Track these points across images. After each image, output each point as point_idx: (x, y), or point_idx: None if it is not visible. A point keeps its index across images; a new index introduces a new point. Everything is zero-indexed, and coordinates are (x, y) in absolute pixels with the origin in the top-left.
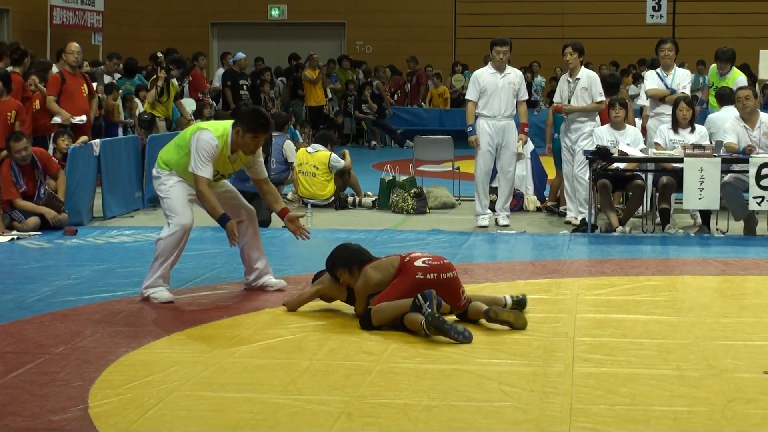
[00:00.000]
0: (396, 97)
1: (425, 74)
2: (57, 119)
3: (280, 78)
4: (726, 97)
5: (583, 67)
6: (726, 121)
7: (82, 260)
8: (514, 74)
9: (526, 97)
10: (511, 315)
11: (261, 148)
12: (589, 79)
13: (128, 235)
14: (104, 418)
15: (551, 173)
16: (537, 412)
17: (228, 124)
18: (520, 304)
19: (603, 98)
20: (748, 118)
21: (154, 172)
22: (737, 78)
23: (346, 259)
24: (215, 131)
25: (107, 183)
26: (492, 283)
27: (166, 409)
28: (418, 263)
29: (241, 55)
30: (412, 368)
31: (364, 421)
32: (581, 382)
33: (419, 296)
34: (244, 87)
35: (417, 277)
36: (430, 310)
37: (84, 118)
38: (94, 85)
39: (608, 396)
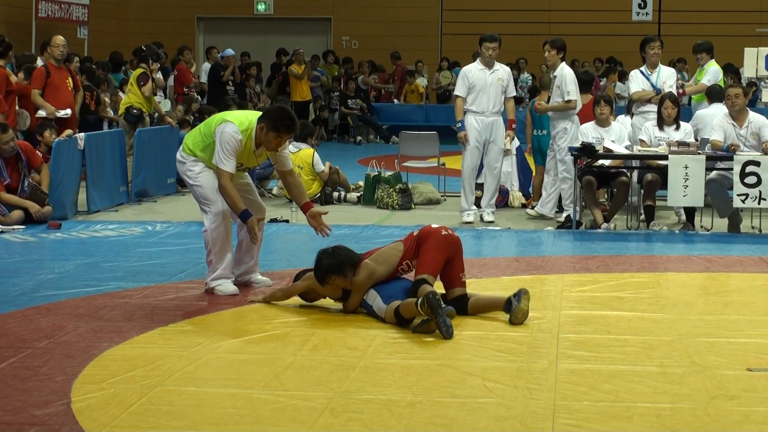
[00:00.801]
0: (383, 92)
1: (403, 70)
2: (42, 113)
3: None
4: (715, 94)
5: (563, 64)
6: (714, 118)
7: (66, 254)
8: (502, 70)
9: (514, 93)
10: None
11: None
12: (561, 77)
13: (112, 230)
14: (87, 413)
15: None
16: (521, 409)
17: (254, 117)
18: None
19: (573, 97)
20: (737, 116)
21: (179, 156)
22: (709, 68)
23: (338, 265)
24: (240, 124)
25: (92, 177)
26: (477, 279)
27: (149, 404)
28: (434, 226)
29: (230, 51)
30: (396, 364)
31: (348, 416)
32: (565, 379)
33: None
34: (230, 83)
35: (443, 234)
36: (433, 296)
37: (69, 111)
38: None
39: (592, 392)
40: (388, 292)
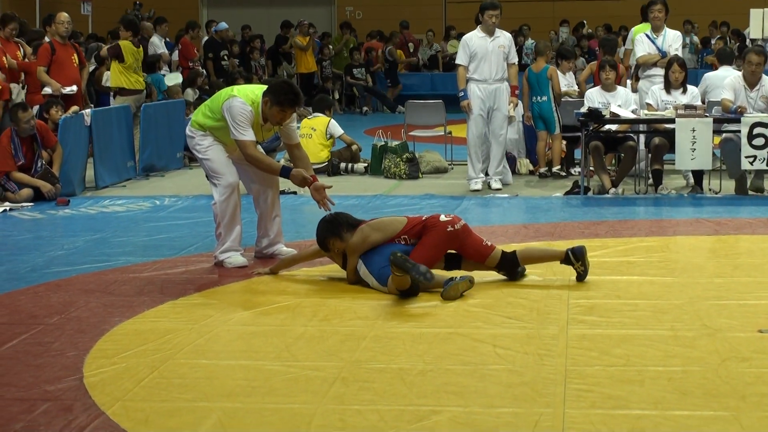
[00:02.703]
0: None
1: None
2: (48, 90)
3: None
4: (726, 57)
5: None
6: (722, 80)
7: (75, 230)
8: (503, 37)
9: (516, 60)
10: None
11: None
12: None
13: (121, 205)
14: (99, 388)
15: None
16: (532, 375)
17: (259, 91)
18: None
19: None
20: (751, 80)
21: (188, 131)
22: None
23: (334, 228)
24: (245, 98)
25: (99, 153)
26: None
27: (160, 378)
28: (443, 218)
29: (223, 25)
30: (406, 333)
31: (359, 386)
32: (575, 344)
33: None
34: (225, 58)
35: (448, 230)
36: (410, 265)
37: (75, 88)
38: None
39: (603, 357)
40: (378, 262)
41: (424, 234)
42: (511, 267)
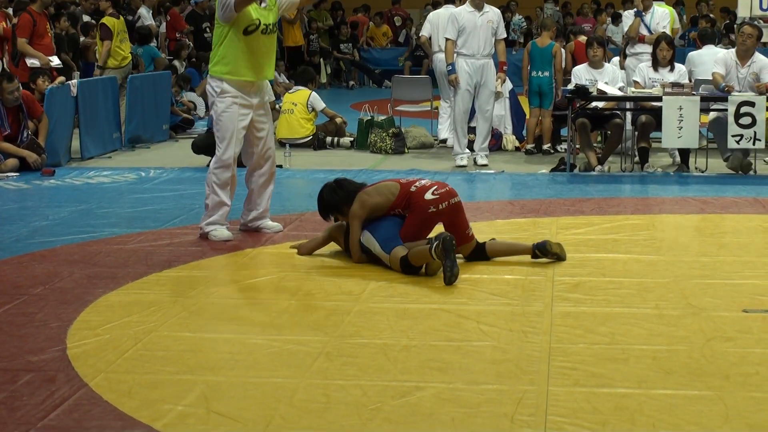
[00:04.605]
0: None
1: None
2: (35, 62)
3: None
4: (708, 37)
5: None
6: (706, 59)
7: (60, 201)
8: (492, 12)
9: (505, 35)
10: (558, 247)
11: None
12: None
13: (106, 176)
14: (82, 359)
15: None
16: (516, 352)
17: None
18: (541, 249)
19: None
20: (743, 55)
21: (208, 88)
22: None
23: (336, 204)
24: None
25: (85, 124)
26: (471, 222)
27: (144, 350)
28: (428, 196)
29: None
30: (391, 308)
31: (343, 360)
32: (560, 322)
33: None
34: (207, 30)
35: (430, 211)
36: (450, 239)
37: (57, 60)
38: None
39: (587, 335)
40: (383, 233)
41: (410, 210)
42: (479, 258)
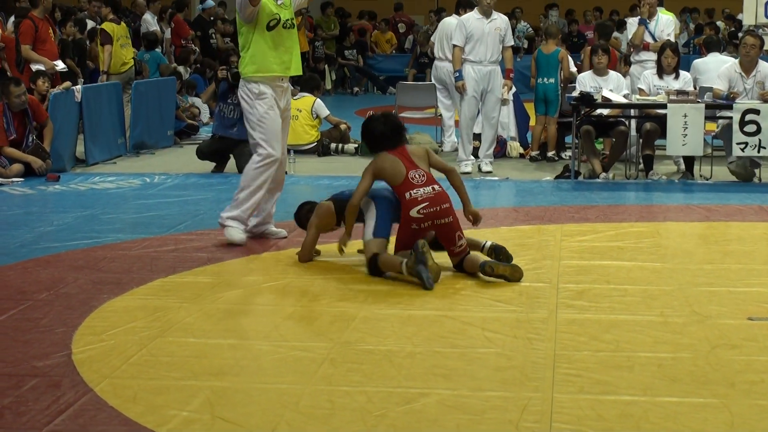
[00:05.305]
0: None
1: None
2: (40, 67)
3: None
4: (713, 44)
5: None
6: (711, 66)
7: (65, 206)
8: (500, 20)
9: (512, 42)
10: (507, 268)
11: None
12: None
13: (111, 182)
14: (87, 364)
15: (534, 120)
16: (521, 359)
17: None
18: (496, 251)
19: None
20: (747, 66)
21: (241, 92)
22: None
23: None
24: None
25: (89, 129)
26: (475, 229)
27: (149, 356)
28: (413, 212)
29: (210, 2)
30: (395, 314)
31: (348, 367)
32: (565, 329)
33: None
34: (213, 36)
35: (412, 227)
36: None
37: (62, 64)
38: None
39: (592, 342)
40: (383, 213)
41: (401, 217)
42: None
